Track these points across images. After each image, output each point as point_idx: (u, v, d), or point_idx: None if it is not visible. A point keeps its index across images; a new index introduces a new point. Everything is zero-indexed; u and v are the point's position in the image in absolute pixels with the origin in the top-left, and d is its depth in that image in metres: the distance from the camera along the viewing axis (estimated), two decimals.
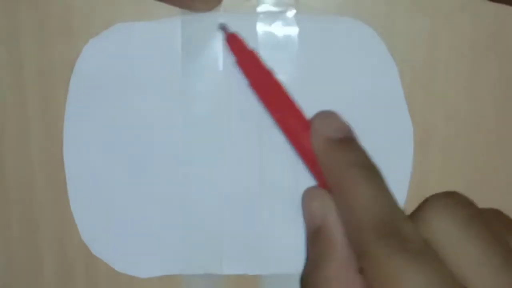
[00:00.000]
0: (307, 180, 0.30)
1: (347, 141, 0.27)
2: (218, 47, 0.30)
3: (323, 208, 0.25)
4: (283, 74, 0.29)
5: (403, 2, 0.30)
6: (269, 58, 0.29)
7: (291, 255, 0.30)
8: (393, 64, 0.30)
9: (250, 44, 0.29)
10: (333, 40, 0.30)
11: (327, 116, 0.27)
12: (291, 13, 0.30)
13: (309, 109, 0.28)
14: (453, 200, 0.23)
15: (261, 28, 0.30)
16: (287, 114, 0.28)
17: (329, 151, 0.26)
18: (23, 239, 0.32)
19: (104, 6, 0.30)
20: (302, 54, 0.30)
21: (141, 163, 0.31)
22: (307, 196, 0.27)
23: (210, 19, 0.29)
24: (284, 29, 0.30)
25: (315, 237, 0.25)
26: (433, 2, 0.30)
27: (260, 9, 0.30)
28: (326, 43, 0.30)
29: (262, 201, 0.30)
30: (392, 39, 0.30)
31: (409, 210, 0.24)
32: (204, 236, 0.31)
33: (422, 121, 0.30)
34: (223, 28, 0.29)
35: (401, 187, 0.30)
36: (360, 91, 0.30)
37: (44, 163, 0.31)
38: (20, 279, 0.32)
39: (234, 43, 0.29)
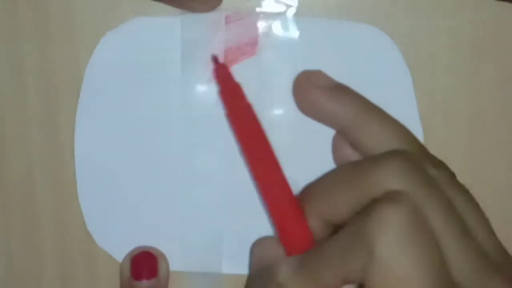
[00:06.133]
0: (307, 180, 0.30)
1: (342, 87, 0.28)
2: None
3: (276, 252, 0.27)
4: (283, 75, 0.30)
5: (403, 2, 0.30)
6: (269, 58, 0.30)
7: None
8: (407, 71, 0.30)
9: (250, 43, 0.29)
10: (335, 41, 0.30)
11: (313, 71, 0.29)
12: (291, 13, 0.30)
13: None
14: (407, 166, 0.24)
15: (261, 28, 0.30)
16: (259, 154, 0.27)
17: (331, 98, 0.27)
18: (23, 239, 0.32)
19: (104, 7, 0.30)
20: (302, 55, 0.30)
21: (146, 159, 0.31)
22: (261, 241, 0.28)
23: (210, 20, 0.30)
24: (284, 29, 0.30)
25: (261, 274, 0.27)
26: (433, 2, 0.30)
27: (260, 9, 0.30)
28: (327, 44, 0.30)
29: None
30: (392, 39, 0.30)
31: None
32: (204, 235, 0.31)
33: (422, 121, 0.30)
34: (214, 59, 0.29)
35: None
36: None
37: (44, 162, 0.31)
38: (20, 279, 0.32)
39: (221, 73, 0.29)
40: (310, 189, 0.27)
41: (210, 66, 0.30)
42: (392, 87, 0.30)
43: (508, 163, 0.31)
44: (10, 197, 0.31)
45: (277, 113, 0.30)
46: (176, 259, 0.31)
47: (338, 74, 0.29)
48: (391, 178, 0.23)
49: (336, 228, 0.25)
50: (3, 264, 0.32)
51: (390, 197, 0.23)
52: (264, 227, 0.30)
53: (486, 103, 0.30)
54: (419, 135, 0.30)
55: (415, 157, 0.25)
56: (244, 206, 0.31)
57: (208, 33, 0.30)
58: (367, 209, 0.23)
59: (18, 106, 0.31)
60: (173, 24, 0.30)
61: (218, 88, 0.29)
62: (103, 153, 0.31)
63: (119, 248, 0.31)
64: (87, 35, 0.30)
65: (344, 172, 0.26)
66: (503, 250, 0.24)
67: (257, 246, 0.28)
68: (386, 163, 0.24)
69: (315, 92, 0.28)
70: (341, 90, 0.28)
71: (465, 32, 0.30)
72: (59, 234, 0.32)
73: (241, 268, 0.31)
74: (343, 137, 0.28)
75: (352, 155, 0.28)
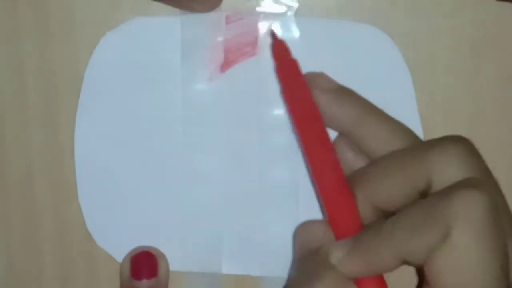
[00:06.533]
0: (307, 181, 0.30)
1: (345, 90, 0.28)
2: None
3: (324, 235, 0.26)
4: None
5: (403, 2, 0.30)
6: (269, 58, 0.30)
7: (291, 257, 0.30)
8: (407, 71, 0.30)
9: (250, 43, 0.29)
10: (335, 41, 0.30)
11: (316, 73, 0.28)
12: (291, 14, 0.30)
13: None
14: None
15: (261, 28, 0.30)
16: (313, 133, 0.27)
17: (333, 101, 0.27)
18: (23, 239, 0.32)
19: (103, 6, 0.30)
20: (302, 55, 0.30)
21: (146, 159, 0.31)
22: (307, 225, 0.28)
23: (210, 20, 0.30)
24: (284, 29, 0.30)
25: (309, 258, 0.26)
26: (433, 2, 0.30)
27: (260, 9, 0.30)
28: (327, 44, 0.30)
29: (262, 201, 0.30)
30: (392, 39, 0.30)
31: None
32: (204, 235, 0.31)
33: (422, 121, 0.30)
34: (272, 34, 0.29)
35: None
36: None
37: (44, 162, 0.31)
38: (20, 279, 0.32)
39: (278, 48, 0.28)
40: (362, 174, 0.27)
41: (210, 66, 0.30)
42: (392, 87, 0.30)
43: (508, 163, 0.30)
44: (10, 197, 0.31)
45: (277, 113, 0.30)
46: (176, 259, 0.31)
47: (338, 74, 0.29)
48: (452, 165, 0.23)
49: (385, 215, 0.25)
50: (3, 264, 0.32)
51: (472, 183, 0.22)
52: (264, 227, 0.31)
53: (486, 103, 0.30)
54: (419, 135, 0.29)
55: (473, 145, 0.25)
56: (244, 206, 0.31)
57: (208, 33, 0.30)
58: (447, 191, 0.22)
59: (18, 106, 0.31)
60: (173, 24, 0.30)
61: (274, 65, 0.29)
62: (103, 153, 0.31)
63: (119, 248, 0.31)
64: (87, 35, 0.30)
65: (398, 157, 0.25)
66: None
67: (303, 229, 0.28)
68: (445, 149, 0.24)
69: (318, 94, 0.28)
70: (344, 93, 0.28)
71: (465, 32, 0.30)
72: (59, 234, 0.32)
73: (241, 268, 0.31)
74: (345, 139, 0.28)
75: (354, 157, 0.28)
